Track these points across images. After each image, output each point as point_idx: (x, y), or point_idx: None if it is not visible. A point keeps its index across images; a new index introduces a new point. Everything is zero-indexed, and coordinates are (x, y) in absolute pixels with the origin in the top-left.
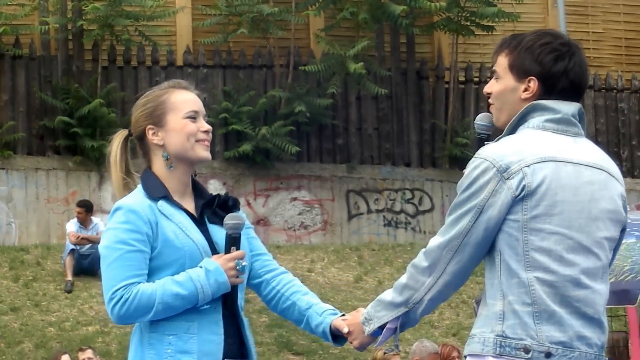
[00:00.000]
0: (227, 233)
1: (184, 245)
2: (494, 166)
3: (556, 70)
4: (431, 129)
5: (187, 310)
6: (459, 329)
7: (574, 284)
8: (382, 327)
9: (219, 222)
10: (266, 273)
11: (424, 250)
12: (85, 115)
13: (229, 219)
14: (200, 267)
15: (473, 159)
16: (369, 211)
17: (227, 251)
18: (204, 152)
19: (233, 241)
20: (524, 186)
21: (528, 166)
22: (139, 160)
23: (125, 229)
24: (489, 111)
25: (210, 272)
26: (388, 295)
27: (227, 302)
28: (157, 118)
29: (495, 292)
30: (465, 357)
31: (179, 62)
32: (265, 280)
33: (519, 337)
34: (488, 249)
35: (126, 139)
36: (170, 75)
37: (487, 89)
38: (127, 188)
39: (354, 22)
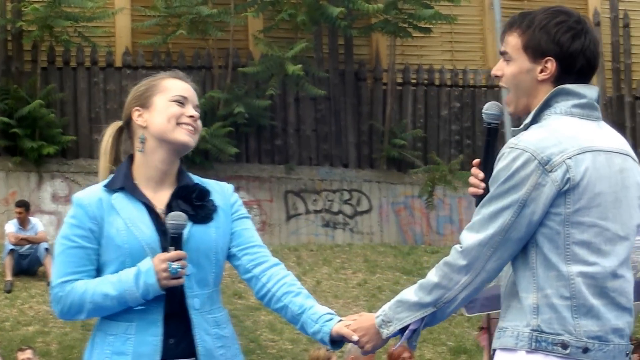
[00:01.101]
0: (168, 231)
1: (124, 243)
2: (535, 158)
3: (574, 50)
4: (369, 131)
5: (127, 310)
6: None
7: (612, 276)
8: (402, 329)
9: (186, 213)
10: (255, 267)
11: (460, 248)
12: (25, 116)
13: (169, 218)
14: (137, 266)
15: (509, 149)
16: (307, 212)
17: (167, 251)
18: (184, 136)
19: (172, 241)
20: (569, 179)
21: (570, 158)
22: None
23: (70, 224)
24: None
25: (141, 272)
26: (411, 295)
27: (171, 301)
28: (144, 100)
29: (527, 284)
30: (494, 350)
31: (118, 63)
32: (254, 275)
33: (555, 332)
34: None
35: (120, 130)
36: (109, 77)
37: (496, 71)
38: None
39: (292, 23)
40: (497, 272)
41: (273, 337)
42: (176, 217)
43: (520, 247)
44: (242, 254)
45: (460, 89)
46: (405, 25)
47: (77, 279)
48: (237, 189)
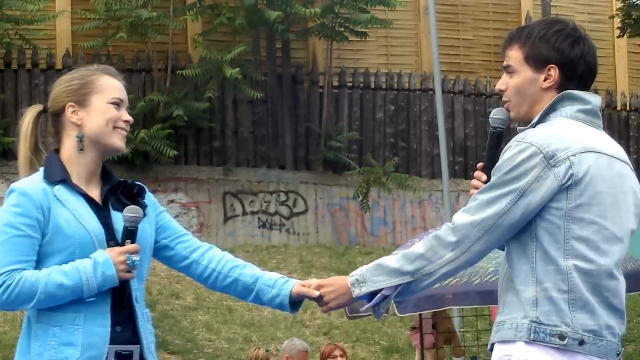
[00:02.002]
0: (124, 225)
1: (75, 234)
2: (541, 152)
3: (575, 56)
4: (305, 133)
5: (73, 301)
6: (330, 328)
7: (607, 275)
8: (372, 293)
9: (123, 209)
10: (192, 253)
11: (451, 225)
12: None
13: (127, 211)
14: (91, 258)
15: (515, 142)
16: (244, 213)
17: (122, 244)
18: (119, 142)
19: (129, 234)
20: (571, 175)
21: (574, 155)
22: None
23: (14, 213)
24: (502, 106)
25: (98, 264)
26: (392, 261)
27: (117, 294)
28: (80, 96)
29: (526, 278)
30: (492, 345)
31: (59, 66)
32: (193, 260)
33: (553, 324)
34: (516, 233)
35: (38, 115)
36: (49, 79)
37: (500, 85)
38: (33, 167)
39: (230, 27)
40: (481, 256)
41: (210, 337)
42: (134, 211)
43: (509, 236)
44: (174, 244)
45: (395, 92)
46: (342, 29)
47: (24, 268)
48: (175, 191)
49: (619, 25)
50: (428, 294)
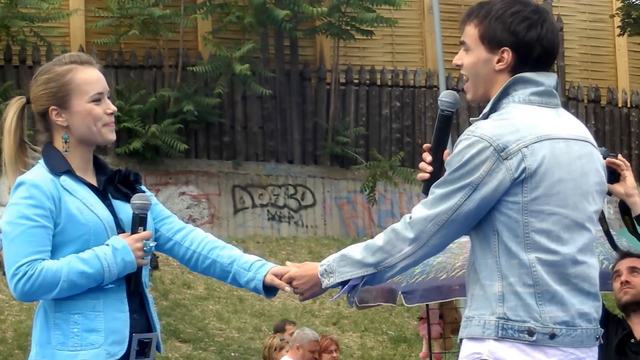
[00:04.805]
0: (134, 213)
1: (89, 222)
2: (491, 145)
3: (530, 39)
4: (313, 128)
5: (92, 288)
6: (339, 318)
7: (572, 262)
8: (341, 282)
9: (122, 197)
10: (175, 234)
11: (408, 220)
12: None
13: (137, 198)
14: (108, 245)
15: (465, 137)
16: (254, 205)
17: (134, 231)
18: (110, 135)
19: (141, 221)
20: (524, 168)
21: (526, 147)
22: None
23: (28, 204)
24: (453, 92)
25: (117, 250)
26: (356, 252)
27: (131, 280)
28: (60, 100)
29: (491, 272)
30: (461, 340)
31: None
32: (176, 242)
33: (521, 319)
34: (473, 226)
35: (23, 108)
36: None
37: (457, 60)
38: (19, 161)
39: (240, 25)
40: (439, 249)
41: (220, 326)
42: (143, 198)
43: (466, 229)
44: (159, 225)
45: (401, 89)
46: (348, 27)
47: (44, 258)
48: (186, 184)
49: (619, 24)
50: (435, 285)
